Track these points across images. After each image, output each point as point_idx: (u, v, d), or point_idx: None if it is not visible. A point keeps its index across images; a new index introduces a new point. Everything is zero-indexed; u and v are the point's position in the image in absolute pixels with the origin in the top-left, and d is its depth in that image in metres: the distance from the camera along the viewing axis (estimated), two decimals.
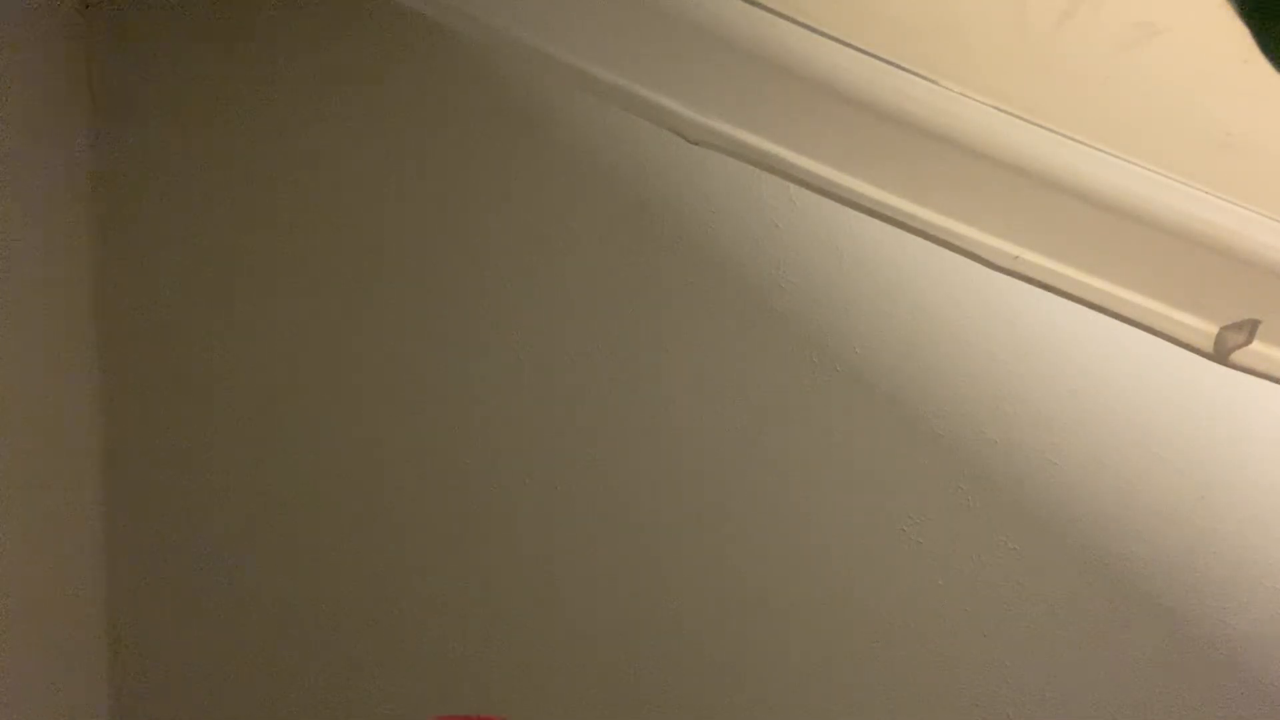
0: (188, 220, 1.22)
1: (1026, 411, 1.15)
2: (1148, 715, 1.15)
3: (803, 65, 0.86)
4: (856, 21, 0.85)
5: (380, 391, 1.21)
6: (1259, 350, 0.88)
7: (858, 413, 1.17)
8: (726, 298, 1.17)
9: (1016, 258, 0.90)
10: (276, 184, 1.21)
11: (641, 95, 0.90)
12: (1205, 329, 0.89)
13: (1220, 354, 0.89)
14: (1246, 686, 1.14)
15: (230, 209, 1.22)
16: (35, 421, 1.12)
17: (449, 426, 1.21)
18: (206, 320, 1.22)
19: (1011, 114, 0.85)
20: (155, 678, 1.25)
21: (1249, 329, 0.87)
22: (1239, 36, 0.67)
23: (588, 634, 1.21)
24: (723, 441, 1.18)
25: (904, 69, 0.85)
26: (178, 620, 1.24)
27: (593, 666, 1.21)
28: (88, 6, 1.19)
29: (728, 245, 1.17)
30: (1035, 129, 0.85)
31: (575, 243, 1.19)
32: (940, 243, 0.91)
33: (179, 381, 1.23)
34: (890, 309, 1.16)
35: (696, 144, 0.92)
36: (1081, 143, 0.85)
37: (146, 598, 1.24)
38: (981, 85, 0.85)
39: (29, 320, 1.11)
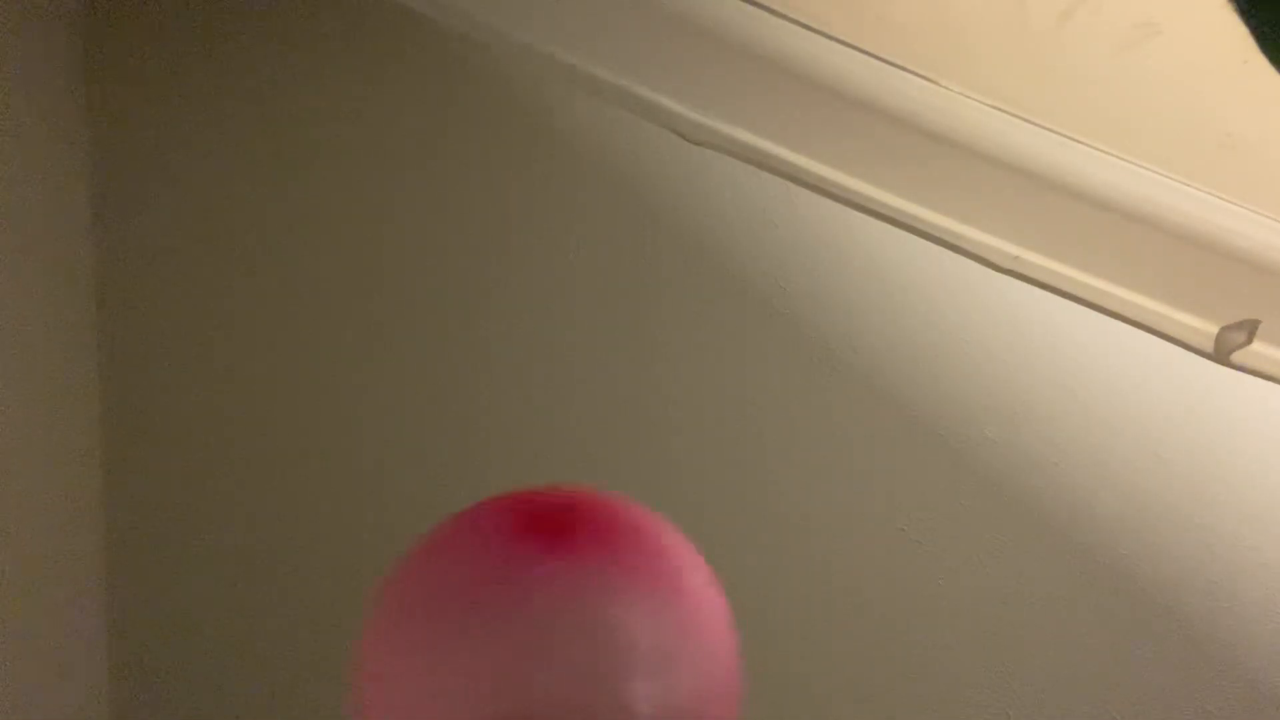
0: (188, 219, 1.22)
1: (1026, 411, 1.15)
2: (1148, 714, 1.15)
3: (803, 65, 0.86)
4: (857, 22, 0.85)
5: (381, 391, 1.21)
6: (1259, 350, 0.88)
7: (858, 413, 1.17)
8: (726, 298, 1.17)
9: (1016, 258, 0.90)
10: (276, 183, 1.21)
11: (641, 95, 0.90)
12: (1205, 329, 0.89)
13: (1220, 354, 0.89)
14: (1247, 685, 1.14)
15: (231, 208, 1.22)
16: (35, 421, 1.12)
17: (448, 426, 1.21)
18: (208, 319, 1.22)
19: (1011, 114, 0.85)
20: (156, 677, 1.25)
21: (1249, 329, 0.87)
22: (1239, 36, 0.68)
23: None
24: (722, 441, 1.18)
25: (904, 69, 0.85)
26: (178, 620, 1.24)
27: None
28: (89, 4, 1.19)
29: (728, 245, 1.17)
30: (1035, 129, 0.86)
31: (574, 242, 1.19)
32: (940, 243, 0.91)
33: (179, 380, 1.23)
34: (890, 309, 1.16)
35: (696, 144, 0.92)
36: (1081, 143, 0.85)
37: (147, 597, 1.24)
38: (982, 85, 0.85)
39: (29, 319, 1.11)
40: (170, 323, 1.22)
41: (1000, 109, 0.86)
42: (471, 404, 1.21)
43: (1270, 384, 0.91)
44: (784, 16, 0.85)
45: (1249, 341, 0.88)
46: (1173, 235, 0.86)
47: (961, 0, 0.81)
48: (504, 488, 1.20)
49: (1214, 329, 0.89)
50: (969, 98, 0.85)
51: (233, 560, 1.23)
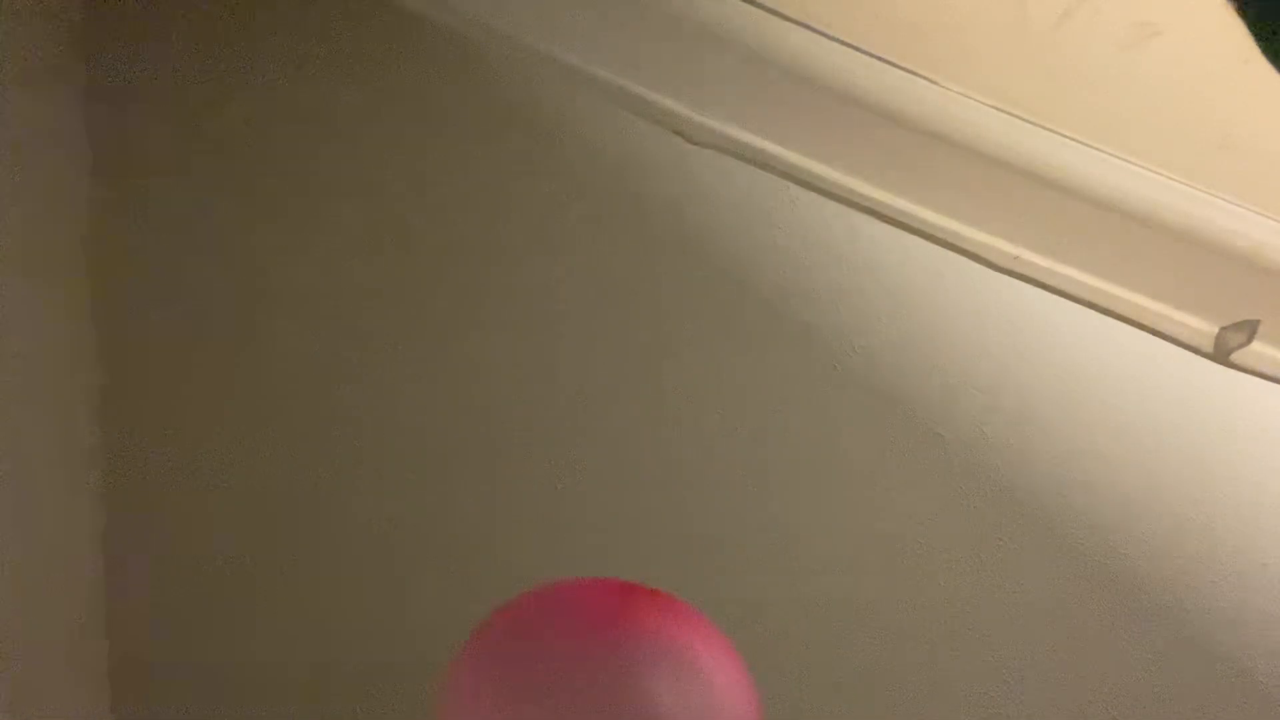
0: (188, 217, 1.22)
1: (1026, 411, 1.15)
2: (1147, 715, 1.15)
3: (803, 65, 0.86)
4: (857, 22, 0.85)
5: (379, 394, 1.21)
6: (1259, 350, 0.89)
7: (858, 413, 1.17)
8: (726, 298, 1.17)
9: (1016, 258, 0.90)
10: (275, 182, 1.21)
11: (641, 95, 0.90)
12: (1205, 329, 0.89)
13: (1220, 354, 0.89)
14: (1247, 686, 1.14)
15: (229, 210, 1.22)
16: (35, 420, 1.12)
17: (446, 427, 1.21)
18: (207, 319, 1.22)
19: (1011, 114, 0.85)
20: (156, 676, 1.25)
21: (1249, 329, 0.87)
22: (1239, 36, 0.68)
23: None
24: (721, 442, 1.18)
25: (904, 69, 0.85)
26: (178, 620, 1.24)
27: None
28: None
29: (728, 245, 1.17)
30: (1035, 129, 0.86)
31: (574, 243, 1.19)
32: (940, 243, 0.91)
33: (180, 380, 1.23)
34: (890, 309, 1.16)
35: (696, 144, 0.92)
36: (1081, 143, 0.85)
37: (147, 596, 1.24)
38: (982, 85, 0.85)
39: (28, 319, 1.11)
40: (170, 324, 1.22)
41: (1000, 109, 0.86)
42: (468, 405, 1.20)
43: (1270, 384, 0.91)
44: (784, 16, 0.85)
45: (1249, 341, 0.88)
46: (1173, 235, 0.86)
47: (961, 0, 0.81)
48: (501, 486, 1.20)
49: (1214, 329, 0.89)
50: (969, 98, 0.85)
51: (232, 559, 1.23)
